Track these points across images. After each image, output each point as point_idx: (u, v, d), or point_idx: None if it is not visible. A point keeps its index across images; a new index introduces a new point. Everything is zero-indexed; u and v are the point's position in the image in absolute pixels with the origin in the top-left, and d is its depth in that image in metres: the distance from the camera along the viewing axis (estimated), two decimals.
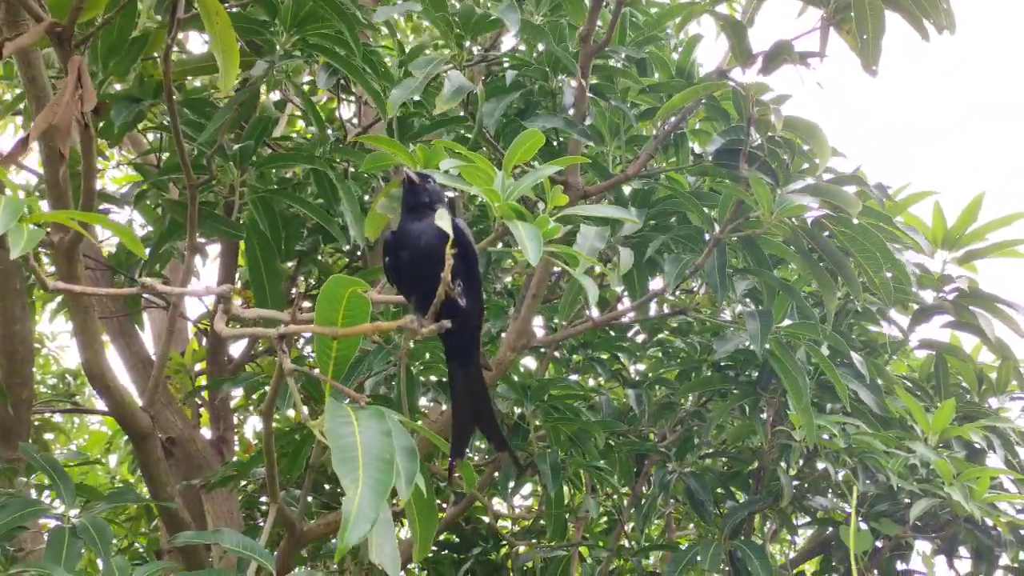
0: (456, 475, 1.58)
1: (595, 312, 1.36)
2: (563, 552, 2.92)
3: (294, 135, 4.71)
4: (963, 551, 3.19)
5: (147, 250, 3.68)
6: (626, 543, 3.53)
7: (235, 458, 4.15)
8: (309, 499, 3.38)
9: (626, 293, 2.82)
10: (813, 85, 3.10)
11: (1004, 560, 3.10)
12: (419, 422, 2.83)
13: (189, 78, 3.41)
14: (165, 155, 3.60)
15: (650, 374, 4.01)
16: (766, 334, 2.11)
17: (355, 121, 4.15)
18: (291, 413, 3.75)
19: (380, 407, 1.13)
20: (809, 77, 2.16)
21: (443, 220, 1.23)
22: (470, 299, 1.38)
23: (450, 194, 1.59)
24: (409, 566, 3.59)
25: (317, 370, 1.25)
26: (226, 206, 2.97)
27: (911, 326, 3.29)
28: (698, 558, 2.68)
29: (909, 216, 3.22)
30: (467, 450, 1.72)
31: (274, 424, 4.26)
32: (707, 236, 2.34)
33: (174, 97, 3.37)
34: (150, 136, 4.25)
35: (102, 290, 1.21)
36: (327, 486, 3.57)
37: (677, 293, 2.96)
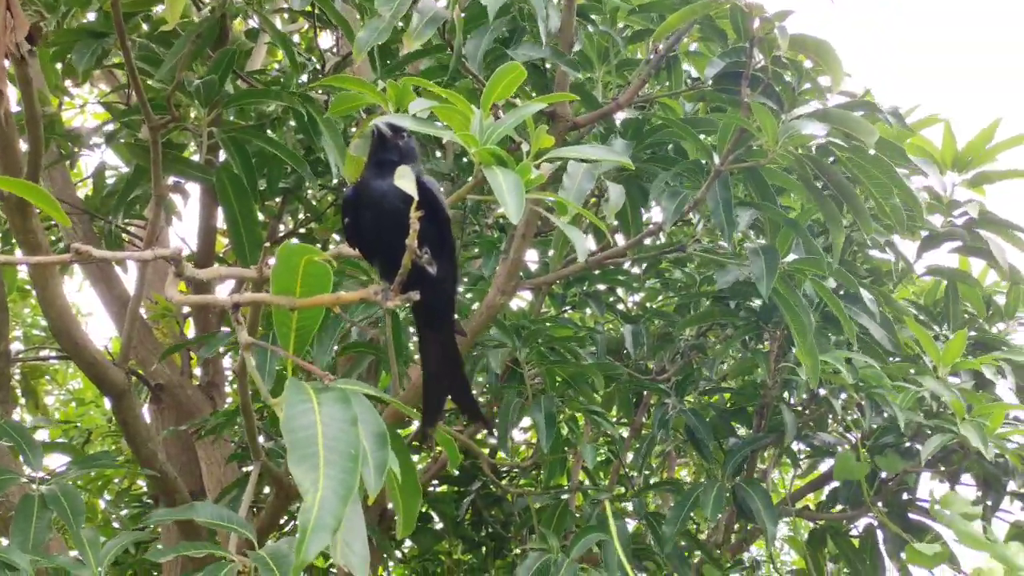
0: (432, 442, 1.48)
1: (583, 258, 1.24)
2: (562, 496, 2.85)
3: (276, 65, 4.51)
4: (966, 478, 3.14)
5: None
6: (624, 485, 3.48)
7: (228, 400, 4.08)
8: None
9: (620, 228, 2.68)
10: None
11: (1011, 486, 3.05)
12: (408, 368, 2.73)
13: (157, 9, 3.21)
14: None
15: (648, 304, 3.90)
16: (772, 276, 1.98)
17: (335, 50, 3.95)
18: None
19: (345, 389, 1.01)
20: None
21: (405, 180, 1.09)
22: (442, 265, 1.24)
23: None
24: None
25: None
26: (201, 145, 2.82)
27: (919, 252, 3.16)
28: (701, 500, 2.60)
29: (918, 138, 3.07)
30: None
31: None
32: (707, 166, 2.19)
33: (143, 30, 3.20)
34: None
35: (30, 259, 1.09)
36: None
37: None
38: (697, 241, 2.33)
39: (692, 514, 2.71)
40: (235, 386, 4.50)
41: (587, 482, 3.64)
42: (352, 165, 2.43)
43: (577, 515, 2.99)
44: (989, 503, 3.02)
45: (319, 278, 1.04)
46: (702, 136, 2.28)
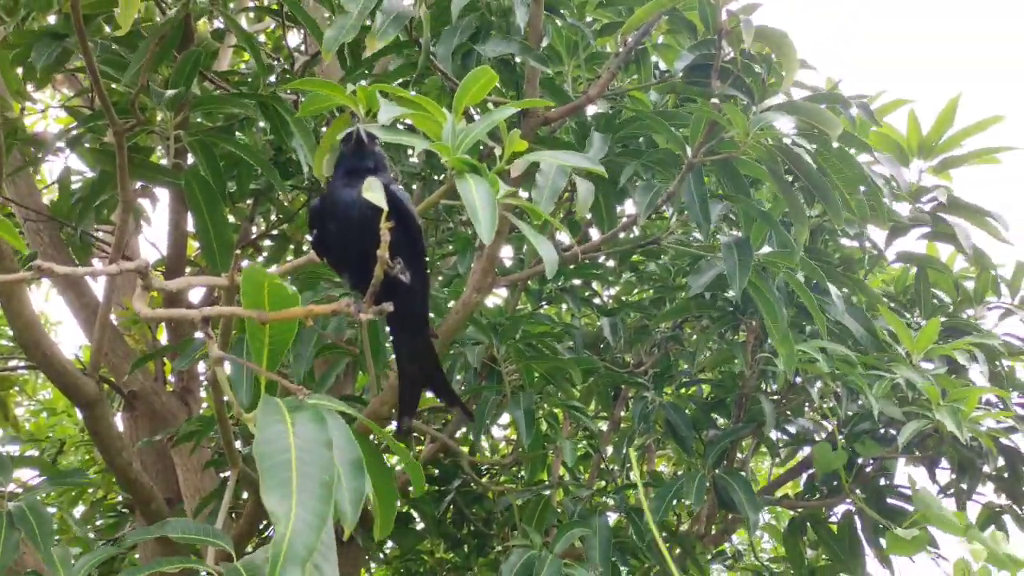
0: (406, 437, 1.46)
1: (552, 270, 1.22)
2: (543, 493, 2.84)
3: (243, 65, 4.45)
4: (943, 462, 3.17)
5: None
6: (605, 481, 3.49)
7: (204, 406, 4.03)
8: None
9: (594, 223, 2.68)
10: None
11: (986, 469, 3.08)
12: (387, 369, 2.71)
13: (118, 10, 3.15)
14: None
15: (624, 297, 3.90)
16: (745, 272, 1.98)
17: (303, 48, 3.91)
18: None
19: (320, 407, 0.99)
20: None
21: (373, 191, 1.07)
22: (414, 274, 1.22)
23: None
24: None
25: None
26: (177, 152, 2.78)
27: (888, 240, 3.18)
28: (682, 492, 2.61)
29: (885, 127, 3.08)
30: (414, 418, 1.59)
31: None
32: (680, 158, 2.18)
33: (106, 32, 3.14)
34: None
35: None
36: None
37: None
38: (671, 234, 2.32)
39: (674, 505, 2.72)
40: (211, 391, 4.46)
41: (567, 478, 3.63)
42: (320, 163, 2.40)
43: (559, 511, 2.99)
44: (964, 487, 3.06)
45: (285, 300, 1.02)
46: (673, 129, 2.27)
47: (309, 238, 3.96)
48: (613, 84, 2.63)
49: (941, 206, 3.11)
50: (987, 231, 3.12)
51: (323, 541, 0.92)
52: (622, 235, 2.69)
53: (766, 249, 2.25)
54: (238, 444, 2.72)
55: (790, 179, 2.09)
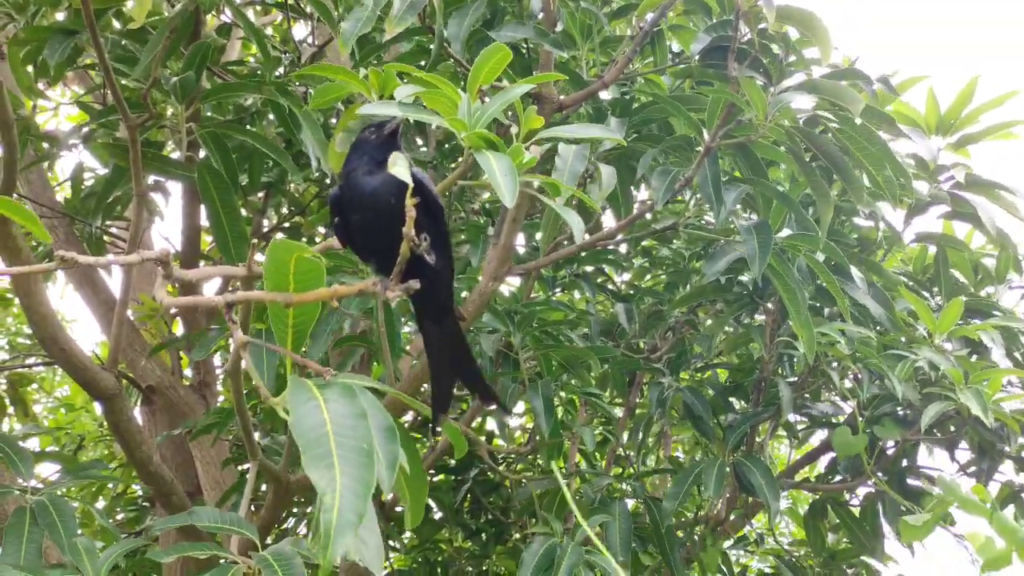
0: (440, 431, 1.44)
1: (579, 240, 1.22)
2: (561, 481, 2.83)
3: (251, 59, 4.45)
4: (962, 443, 3.14)
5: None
6: (621, 465, 3.47)
7: (220, 399, 4.04)
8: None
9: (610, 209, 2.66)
10: None
11: (1006, 449, 3.05)
12: (400, 361, 2.70)
13: (128, 4, 3.15)
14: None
15: (636, 283, 3.89)
16: (765, 255, 1.95)
17: (310, 40, 3.89)
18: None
19: (349, 382, 0.99)
20: None
21: (399, 168, 1.05)
22: (439, 254, 1.21)
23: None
24: None
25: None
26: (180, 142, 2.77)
27: (907, 219, 3.15)
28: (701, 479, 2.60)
29: (902, 105, 3.05)
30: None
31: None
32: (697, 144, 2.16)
33: (115, 27, 3.13)
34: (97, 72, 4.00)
35: (14, 270, 1.06)
36: None
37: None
38: (687, 219, 2.30)
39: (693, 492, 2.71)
40: (229, 383, 4.47)
41: (583, 465, 3.63)
42: (335, 156, 2.39)
43: (577, 497, 2.98)
44: (984, 467, 3.03)
45: (312, 274, 1.01)
46: (691, 114, 2.25)
47: (322, 229, 3.95)
48: (627, 68, 2.61)
49: (959, 184, 3.08)
50: (1005, 208, 3.08)
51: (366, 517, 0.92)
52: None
53: (785, 232, 2.23)
54: (256, 435, 2.72)
55: (808, 158, 2.06)
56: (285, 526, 3.75)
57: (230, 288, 3.92)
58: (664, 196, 1.95)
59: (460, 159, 1.41)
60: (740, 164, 2.13)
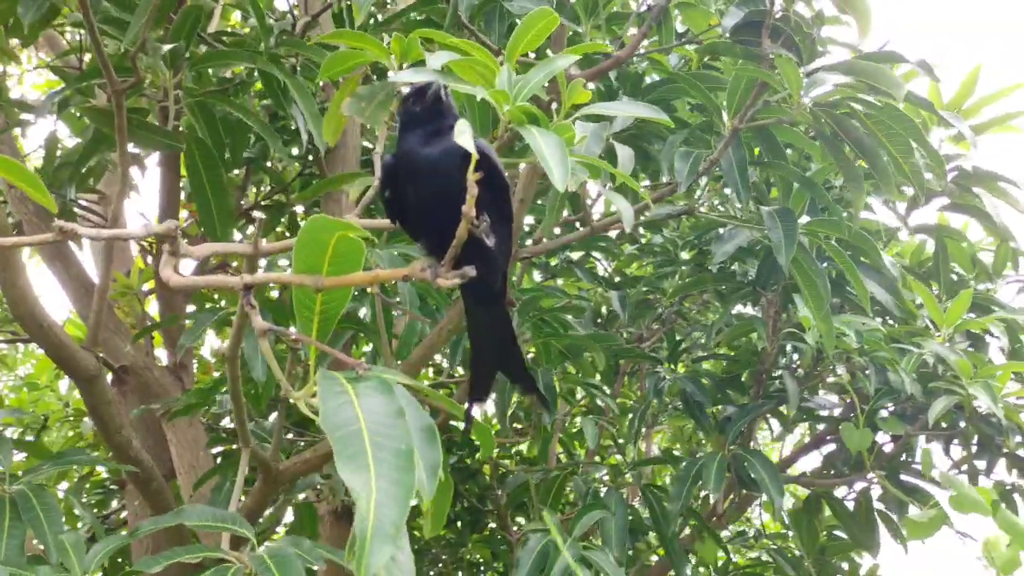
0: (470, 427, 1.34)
1: (629, 227, 1.13)
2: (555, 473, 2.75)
3: (228, 30, 4.28)
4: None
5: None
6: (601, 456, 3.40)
7: (195, 380, 3.90)
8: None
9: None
10: None
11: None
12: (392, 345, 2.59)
13: None
14: (87, 56, 3.19)
15: (623, 270, 3.82)
16: (792, 243, 1.87)
17: (297, 10, 3.74)
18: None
19: (383, 376, 0.88)
20: None
21: (464, 137, 0.94)
22: (498, 236, 1.11)
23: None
24: None
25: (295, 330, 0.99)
26: (162, 112, 2.62)
27: (908, 210, 3.10)
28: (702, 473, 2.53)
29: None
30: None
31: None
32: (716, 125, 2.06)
33: None
34: (70, 35, 3.82)
35: (7, 240, 0.95)
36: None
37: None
38: (702, 202, 2.22)
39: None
40: (226, 367, 4.33)
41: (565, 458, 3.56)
42: (332, 124, 2.27)
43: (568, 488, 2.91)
44: (984, 463, 3.00)
45: (351, 255, 0.91)
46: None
47: (300, 208, 3.80)
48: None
49: (963, 175, 3.03)
50: (1006, 201, 3.04)
51: None
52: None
53: (805, 219, 2.15)
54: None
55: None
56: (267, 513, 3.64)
57: (208, 267, 3.78)
58: (688, 179, 1.85)
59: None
60: (761, 149, 2.04)
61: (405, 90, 1.25)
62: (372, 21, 3.03)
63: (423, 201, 1.15)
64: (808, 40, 1.84)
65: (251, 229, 4.14)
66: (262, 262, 2.12)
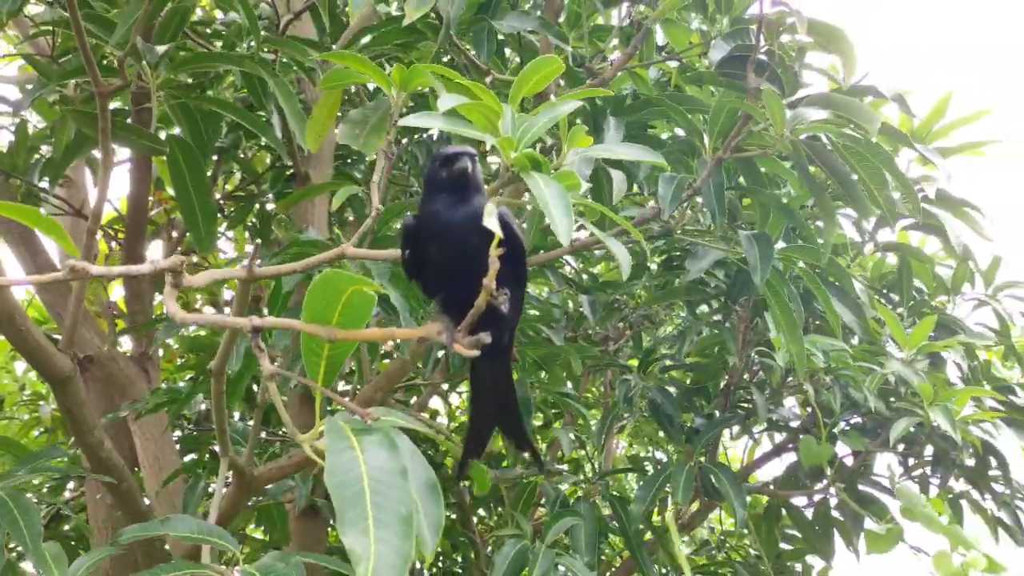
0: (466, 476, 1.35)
1: (626, 275, 1.15)
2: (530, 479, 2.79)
3: (200, 19, 4.22)
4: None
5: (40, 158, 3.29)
6: (586, 466, 3.45)
7: (160, 370, 3.86)
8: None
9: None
10: None
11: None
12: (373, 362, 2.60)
13: None
14: (59, 40, 3.13)
15: (590, 271, 3.86)
16: (767, 265, 1.92)
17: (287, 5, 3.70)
18: None
19: (388, 430, 0.91)
20: None
21: (491, 217, 0.97)
22: (513, 302, 1.13)
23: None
24: None
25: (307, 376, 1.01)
26: (137, 113, 2.60)
27: (875, 229, 3.18)
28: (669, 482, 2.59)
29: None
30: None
31: (201, 333, 3.92)
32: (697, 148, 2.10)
33: None
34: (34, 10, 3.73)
35: (25, 279, 0.94)
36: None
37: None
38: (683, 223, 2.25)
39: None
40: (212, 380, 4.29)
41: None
42: (314, 132, 2.26)
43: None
44: (938, 476, 3.10)
45: (361, 308, 0.93)
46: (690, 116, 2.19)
47: (270, 206, 3.77)
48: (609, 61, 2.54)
49: (927, 199, 3.11)
50: (970, 226, 3.13)
51: None
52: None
53: (780, 244, 2.21)
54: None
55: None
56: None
57: (184, 265, 3.75)
58: (672, 204, 1.89)
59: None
60: (735, 173, 2.09)
61: (436, 151, 1.28)
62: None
63: (444, 262, 1.18)
64: (790, 73, 1.89)
65: (225, 226, 4.12)
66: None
